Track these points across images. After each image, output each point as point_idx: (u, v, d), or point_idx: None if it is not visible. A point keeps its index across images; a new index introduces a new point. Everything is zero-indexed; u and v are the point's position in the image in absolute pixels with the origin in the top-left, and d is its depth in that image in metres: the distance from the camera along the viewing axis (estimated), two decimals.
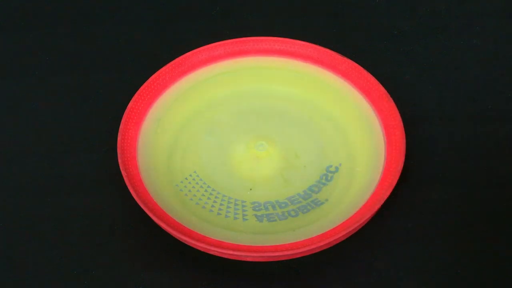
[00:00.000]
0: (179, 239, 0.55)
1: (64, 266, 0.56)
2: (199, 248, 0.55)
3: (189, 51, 0.65)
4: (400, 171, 0.57)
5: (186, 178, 0.60)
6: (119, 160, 0.58)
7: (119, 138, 0.59)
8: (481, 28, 0.70)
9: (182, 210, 0.57)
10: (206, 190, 0.59)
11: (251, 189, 0.59)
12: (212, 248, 0.54)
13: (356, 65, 0.63)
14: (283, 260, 0.56)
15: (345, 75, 0.64)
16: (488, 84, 0.66)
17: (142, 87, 0.62)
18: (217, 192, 0.59)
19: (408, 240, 0.57)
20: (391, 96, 0.61)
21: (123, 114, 0.61)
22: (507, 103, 0.65)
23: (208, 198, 0.59)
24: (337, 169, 0.60)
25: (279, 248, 0.54)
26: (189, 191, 0.59)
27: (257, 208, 0.58)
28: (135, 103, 0.61)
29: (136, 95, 0.62)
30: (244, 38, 0.65)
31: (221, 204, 0.58)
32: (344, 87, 0.64)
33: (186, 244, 0.56)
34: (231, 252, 0.54)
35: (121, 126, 0.60)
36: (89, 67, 0.69)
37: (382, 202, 0.55)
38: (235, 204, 0.58)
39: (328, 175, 0.60)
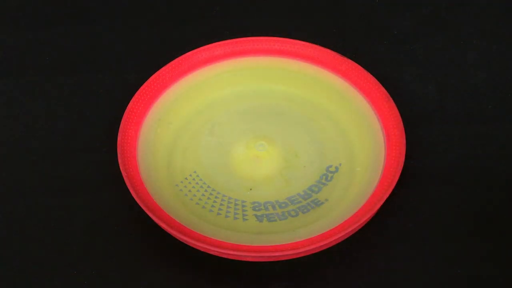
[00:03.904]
0: (179, 239, 0.55)
1: (64, 266, 0.56)
2: (199, 248, 0.55)
3: (189, 51, 0.65)
4: (400, 171, 0.57)
5: (186, 178, 0.60)
6: (119, 160, 0.58)
7: (119, 138, 0.59)
8: (481, 28, 0.70)
9: (182, 210, 0.57)
10: (206, 190, 0.59)
11: (251, 189, 0.59)
12: (212, 248, 0.54)
13: (356, 65, 0.63)
14: (283, 260, 0.56)
15: (345, 75, 0.64)
16: (488, 84, 0.66)
17: (142, 87, 0.62)
18: (217, 192, 0.59)
19: (408, 240, 0.57)
20: (391, 96, 0.61)
21: (123, 114, 0.61)
22: (507, 103, 0.65)
23: (208, 198, 0.59)
24: (337, 169, 0.60)
25: (279, 248, 0.54)
26: (189, 191, 0.59)
27: (257, 208, 0.58)
28: (135, 103, 0.61)
29: (136, 95, 0.62)
30: (244, 38, 0.65)
31: (221, 204, 0.58)
32: (344, 87, 0.64)
33: (186, 244, 0.56)
34: (231, 252, 0.54)
35: (121, 126, 0.60)
36: (89, 67, 0.69)
37: (382, 202, 0.55)
38: (235, 204, 0.59)
39: (328, 175, 0.60)
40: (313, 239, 0.54)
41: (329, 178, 0.60)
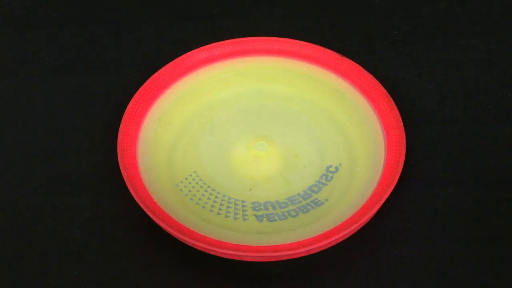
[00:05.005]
0: (179, 239, 0.55)
1: (64, 266, 0.56)
2: (199, 248, 0.55)
3: (189, 51, 0.65)
4: (400, 171, 0.57)
5: (186, 178, 0.60)
6: (119, 160, 0.58)
7: (119, 138, 0.59)
8: (481, 28, 0.70)
9: (182, 210, 0.57)
10: (206, 190, 0.59)
11: (251, 189, 0.59)
12: (212, 248, 0.54)
13: (356, 65, 0.63)
14: (283, 260, 0.56)
15: (345, 75, 0.64)
16: (488, 84, 0.66)
17: (142, 87, 0.62)
18: (217, 192, 0.59)
19: (408, 240, 0.57)
20: (391, 96, 0.61)
21: (123, 114, 0.61)
22: (507, 103, 0.65)
23: (208, 198, 0.59)
24: (337, 169, 0.60)
25: (279, 248, 0.54)
26: (189, 191, 0.59)
27: (257, 208, 0.58)
28: (135, 103, 0.61)
29: (136, 95, 0.62)
30: (244, 38, 0.65)
31: (221, 204, 0.58)
32: (344, 87, 0.64)
33: (186, 244, 0.56)
34: (231, 252, 0.54)
35: (121, 126, 0.60)
36: (89, 67, 0.69)
37: (382, 202, 0.55)
38: (235, 204, 0.59)
39: (328, 175, 0.60)
40: (313, 239, 0.54)
41: (329, 178, 0.60)
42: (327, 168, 0.60)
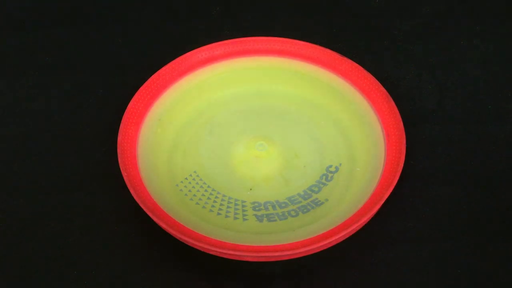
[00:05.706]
0: (179, 239, 0.55)
1: (64, 266, 0.56)
2: (199, 248, 0.55)
3: (189, 51, 0.65)
4: (400, 171, 0.57)
5: (186, 178, 0.60)
6: (119, 160, 0.58)
7: (119, 138, 0.59)
8: (481, 28, 0.70)
9: (182, 210, 0.57)
10: (206, 190, 0.59)
11: (251, 189, 0.59)
12: (212, 248, 0.54)
13: (356, 65, 0.63)
14: (283, 260, 0.56)
15: (345, 75, 0.64)
16: (488, 84, 0.66)
17: (142, 87, 0.62)
18: (217, 192, 0.59)
19: (408, 240, 0.57)
20: (391, 96, 0.61)
21: (123, 114, 0.61)
22: (507, 103, 0.65)
23: (208, 198, 0.59)
24: (337, 169, 0.60)
25: (279, 248, 0.54)
26: (189, 191, 0.59)
27: (257, 208, 0.58)
28: (135, 103, 0.61)
29: (136, 95, 0.62)
30: (244, 38, 0.65)
31: (221, 204, 0.58)
32: (344, 87, 0.64)
33: (186, 244, 0.56)
34: (231, 252, 0.54)
35: (121, 126, 0.60)
36: (89, 67, 0.69)
37: (382, 202, 0.55)
38: (235, 204, 0.59)
39: (328, 175, 0.60)
40: (313, 239, 0.54)
41: (329, 178, 0.60)
42: (327, 168, 0.60)
